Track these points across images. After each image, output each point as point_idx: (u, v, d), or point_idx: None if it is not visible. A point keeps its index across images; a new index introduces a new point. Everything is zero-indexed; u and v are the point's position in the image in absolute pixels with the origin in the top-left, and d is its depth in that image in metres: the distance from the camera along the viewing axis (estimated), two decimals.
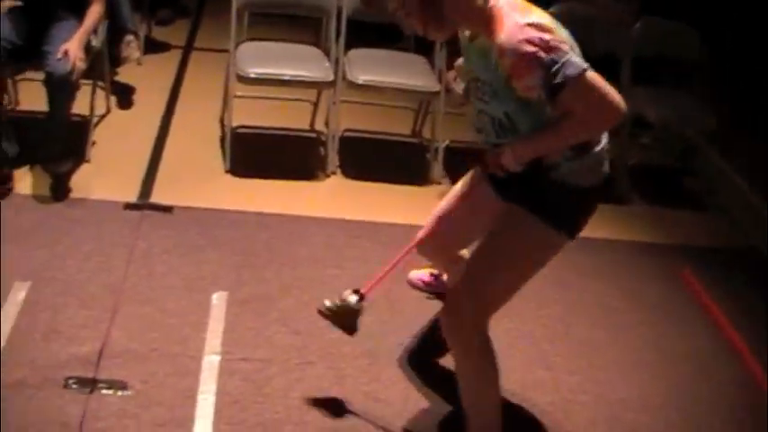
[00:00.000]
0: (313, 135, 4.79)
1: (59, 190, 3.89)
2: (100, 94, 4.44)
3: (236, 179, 4.27)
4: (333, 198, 4.29)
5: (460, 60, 4.21)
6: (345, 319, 2.89)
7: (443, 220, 2.91)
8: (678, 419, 3.17)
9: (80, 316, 3.16)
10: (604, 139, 2.53)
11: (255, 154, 4.52)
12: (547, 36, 2.23)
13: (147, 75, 5.09)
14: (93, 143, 4.28)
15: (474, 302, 2.56)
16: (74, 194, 3.90)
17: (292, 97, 4.82)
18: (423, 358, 3.23)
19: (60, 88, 3.77)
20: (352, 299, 2.87)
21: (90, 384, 2.87)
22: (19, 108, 4.48)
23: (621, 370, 3.37)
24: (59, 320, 3.13)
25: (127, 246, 3.59)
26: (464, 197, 2.86)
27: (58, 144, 3.96)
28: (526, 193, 2.52)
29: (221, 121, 4.68)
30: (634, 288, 3.90)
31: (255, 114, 4.73)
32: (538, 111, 2.35)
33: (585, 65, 2.27)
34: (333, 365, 3.14)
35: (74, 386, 2.85)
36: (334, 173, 4.44)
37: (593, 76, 2.27)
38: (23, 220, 3.66)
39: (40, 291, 3.25)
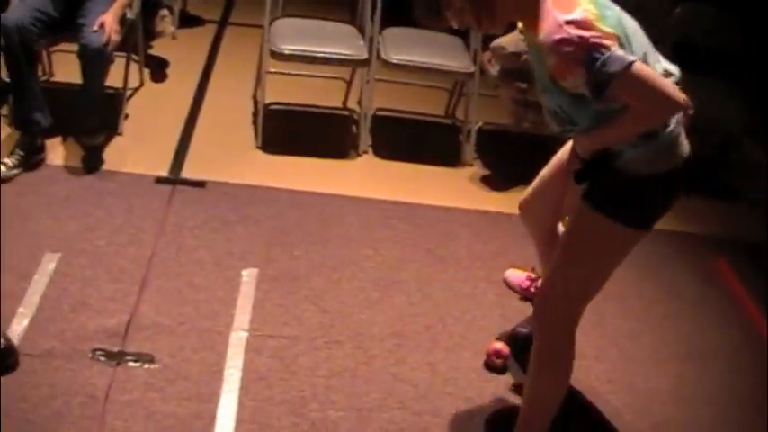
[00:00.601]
0: (346, 113, 4.76)
1: (92, 162, 3.89)
2: (134, 67, 4.43)
3: (268, 156, 4.25)
4: (364, 177, 4.26)
5: (496, 42, 4.19)
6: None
7: (539, 184, 2.90)
8: (707, 414, 3.13)
9: (109, 288, 3.17)
10: (673, 123, 2.40)
11: (287, 131, 4.50)
12: (587, 33, 2.12)
13: (180, 49, 5.08)
14: (127, 116, 4.28)
15: (561, 303, 2.55)
16: (106, 167, 3.90)
17: (326, 75, 4.79)
18: (455, 340, 3.22)
19: (94, 60, 3.76)
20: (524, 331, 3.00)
21: (117, 356, 2.88)
22: (53, 79, 4.49)
23: (652, 361, 3.33)
24: (88, 292, 3.13)
25: (157, 220, 3.59)
26: (558, 162, 2.82)
27: (91, 116, 3.96)
28: (593, 187, 2.46)
29: (254, 97, 4.66)
30: (669, 279, 3.85)
31: (288, 91, 4.70)
32: (591, 103, 2.26)
33: (631, 58, 2.14)
34: (360, 345, 3.12)
35: (101, 358, 2.86)
36: (365, 152, 4.41)
37: (640, 68, 2.16)
38: (55, 191, 3.66)
39: (69, 262, 3.26)
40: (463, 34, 4.54)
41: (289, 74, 4.63)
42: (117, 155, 3.99)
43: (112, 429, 2.62)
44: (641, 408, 3.09)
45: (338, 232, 3.71)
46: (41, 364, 2.79)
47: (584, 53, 2.12)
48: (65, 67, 4.38)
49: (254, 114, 4.50)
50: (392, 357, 3.09)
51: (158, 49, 5.01)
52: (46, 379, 2.73)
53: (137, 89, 4.59)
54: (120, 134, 4.17)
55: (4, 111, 4.09)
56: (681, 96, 2.22)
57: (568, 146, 2.75)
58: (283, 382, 2.89)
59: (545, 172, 2.88)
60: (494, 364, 3.11)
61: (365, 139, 4.42)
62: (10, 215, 3.44)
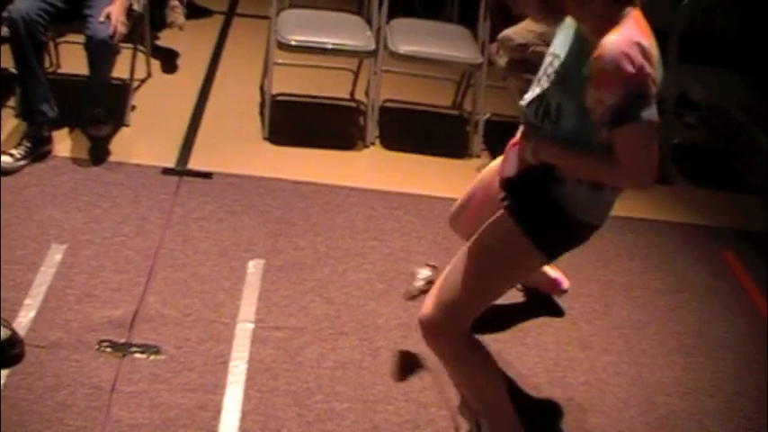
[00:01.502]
0: (353, 105, 4.75)
1: (98, 153, 3.90)
2: (140, 58, 4.43)
3: (275, 147, 4.25)
4: (371, 169, 4.25)
5: (504, 32, 4.16)
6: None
7: (471, 196, 2.85)
8: (714, 406, 3.11)
9: (115, 280, 3.17)
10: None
11: (294, 122, 4.49)
12: (648, 67, 2.08)
13: (187, 40, 5.07)
14: (133, 107, 4.28)
15: (445, 312, 2.46)
16: (112, 158, 3.90)
17: (333, 66, 4.78)
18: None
19: (101, 52, 3.76)
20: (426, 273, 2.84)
21: (123, 348, 2.88)
22: (60, 71, 4.49)
23: (659, 353, 3.32)
24: (94, 283, 3.14)
25: (164, 211, 3.59)
26: (488, 180, 2.75)
27: (97, 107, 3.97)
28: (521, 199, 2.41)
29: (261, 88, 4.66)
30: (676, 270, 3.83)
31: (295, 82, 4.70)
32: (589, 124, 2.21)
33: (657, 119, 2.12)
34: (366, 337, 3.12)
35: (107, 349, 2.86)
36: (373, 143, 4.40)
37: (654, 133, 2.15)
38: (62, 182, 3.67)
39: (76, 253, 3.26)
40: (471, 25, 4.52)
41: (296, 65, 4.61)
42: (124, 146, 4.00)
43: (118, 420, 2.62)
44: (648, 400, 3.08)
45: (344, 223, 3.71)
46: (47, 355, 2.80)
47: (635, 80, 2.07)
48: (71, 59, 4.38)
49: (261, 105, 4.49)
50: (398, 349, 3.09)
51: (165, 40, 5.01)
52: (52, 370, 2.74)
53: (144, 80, 4.59)
54: (126, 125, 4.17)
55: (11, 102, 4.09)
56: (653, 179, 2.20)
57: (497, 162, 2.70)
58: (289, 374, 2.90)
59: (474, 186, 2.84)
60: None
61: (372, 131, 4.41)
62: (17, 206, 3.44)
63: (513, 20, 4.13)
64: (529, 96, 2.40)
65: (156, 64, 4.73)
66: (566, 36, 2.31)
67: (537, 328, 3.31)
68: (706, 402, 3.12)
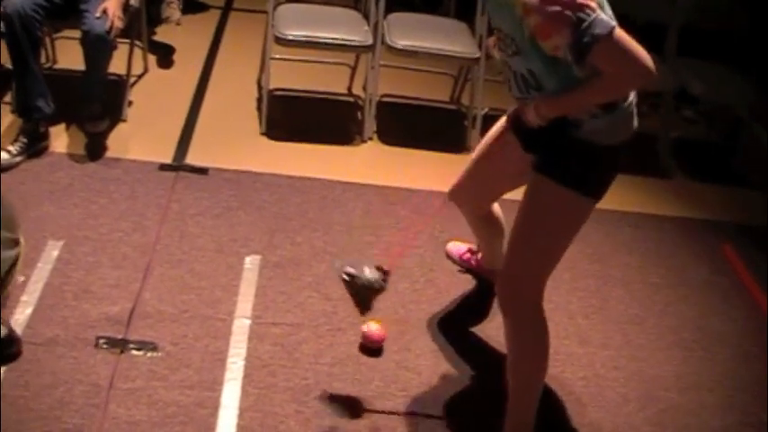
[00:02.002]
0: (350, 99, 4.73)
1: (95, 149, 3.89)
2: (137, 53, 4.42)
3: (272, 142, 4.24)
4: (369, 164, 4.24)
5: None
6: (362, 294, 2.75)
7: (473, 166, 2.89)
8: (713, 401, 3.11)
9: (112, 276, 3.16)
10: (632, 95, 2.43)
11: (292, 117, 4.48)
12: None
13: (184, 35, 5.06)
14: (130, 103, 4.27)
15: (526, 282, 2.56)
16: (109, 154, 3.89)
17: (330, 60, 4.77)
18: (459, 326, 3.22)
19: (98, 47, 3.74)
20: (374, 276, 2.72)
21: (120, 344, 2.88)
22: (56, 66, 4.48)
23: (658, 348, 3.31)
24: (91, 280, 3.13)
25: (161, 206, 3.58)
26: (492, 147, 2.81)
27: (94, 103, 3.95)
28: (548, 157, 2.46)
29: (258, 83, 4.65)
30: (675, 264, 3.82)
31: (293, 77, 4.68)
32: (565, 70, 2.25)
33: (614, 23, 2.16)
34: None
35: (104, 346, 2.86)
36: (370, 138, 4.39)
37: (621, 34, 2.17)
38: (58, 178, 3.66)
39: (73, 250, 3.25)
40: (468, 19, 4.51)
41: (293, 59, 4.60)
42: (121, 141, 3.98)
43: (115, 417, 2.61)
44: (646, 394, 3.07)
45: (341, 219, 3.70)
46: (45, 352, 2.79)
47: (571, 12, 2.11)
48: (68, 54, 4.36)
49: (259, 100, 4.48)
50: (395, 344, 3.08)
51: (162, 35, 5.00)
52: (49, 367, 2.73)
53: (141, 75, 4.57)
54: (123, 121, 4.16)
55: (7, 98, 4.08)
56: (653, 65, 2.20)
57: (497, 127, 2.78)
58: (286, 370, 2.89)
59: (475, 156, 2.89)
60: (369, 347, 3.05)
61: (370, 125, 4.40)
62: (13, 203, 3.42)
63: None
64: (505, 76, 2.45)
65: (153, 59, 4.72)
66: (495, 8, 2.35)
67: None
68: (705, 397, 3.11)
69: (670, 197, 4.37)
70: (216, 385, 2.79)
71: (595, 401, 3.01)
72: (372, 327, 3.03)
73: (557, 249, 2.57)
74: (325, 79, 4.78)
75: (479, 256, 3.42)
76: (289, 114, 4.49)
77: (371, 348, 3.03)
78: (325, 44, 4.17)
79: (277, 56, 4.41)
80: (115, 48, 3.91)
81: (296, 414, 2.74)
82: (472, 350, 3.12)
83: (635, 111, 2.46)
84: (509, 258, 2.59)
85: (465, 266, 3.49)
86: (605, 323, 3.38)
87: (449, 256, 3.54)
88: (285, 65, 4.56)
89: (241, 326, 3.04)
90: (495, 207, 3.09)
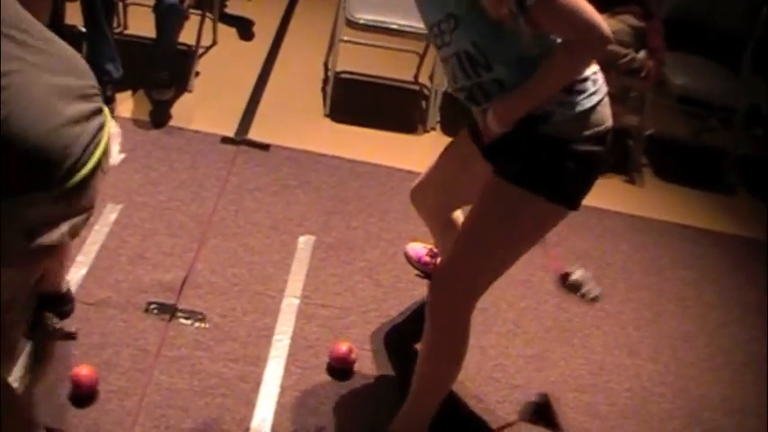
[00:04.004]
0: (416, 88, 4.71)
1: (159, 117, 3.91)
2: (208, 25, 4.44)
3: (335, 124, 4.23)
4: (430, 154, 4.14)
5: None
6: None
7: (434, 172, 2.71)
8: (759, 427, 3.04)
9: (167, 243, 3.18)
10: (600, 78, 2.19)
11: (356, 101, 4.47)
12: None
13: (255, 10, 5.06)
14: (197, 74, 4.29)
15: (463, 283, 2.31)
16: (173, 123, 3.91)
17: (400, 47, 4.74)
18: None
19: (169, 16, 3.76)
20: None
21: (170, 311, 2.90)
22: (127, 32, 4.52)
23: (707, 367, 3.25)
24: (146, 246, 3.15)
25: (220, 179, 3.60)
26: (454, 152, 2.64)
27: (162, 71, 3.97)
28: (513, 160, 2.20)
29: (325, 64, 4.64)
30: (731, 284, 3.75)
31: (360, 60, 4.67)
32: (510, 37, 2.04)
33: None
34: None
35: (154, 312, 2.88)
36: (433, 128, 4.36)
37: None
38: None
39: (130, 214, 3.28)
40: None
41: (362, 43, 4.59)
42: (185, 111, 4.01)
43: (158, 384, 2.64)
44: (691, 414, 3.02)
45: (398, 206, 3.68)
46: (96, 313, 2.82)
47: None
48: (139, 21, 4.40)
49: (324, 81, 4.48)
50: None
51: (233, 8, 5.01)
52: (99, 328, 2.76)
53: (209, 48, 4.59)
54: (189, 91, 4.18)
55: None
56: (607, 27, 1.98)
57: (462, 135, 2.57)
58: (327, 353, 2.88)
59: (438, 160, 2.69)
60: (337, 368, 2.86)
61: (434, 116, 4.37)
62: None
63: None
64: (449, 75, 2.25)
65: (223, 31, 4.73)
66: (428, 1, 2.17)
67: (584, 330, 3.26)
68: (751, 423, 3.05)
69: (731, 215, 4.28)
70: (260, 361, 2.80)
71: (638, 415, 2.96)
72: (342, 347, 2.85)
73: (509, 259, 2.32)
74: (393, 66, 4.76)
75: (438, 261, 3.20)
76: (353, 98, 4.48)
77: (337, 368, 2.85)
78: (396, 30, 4.15)
79: (346, 38, 4.40)
80: (187, 18, 3.93)
81: (336, 397, 2.74)
82: (519, 351, 3.09)
83: (606, 100, 2.19)
84: (453, 258, 2.33)
85: (424, 271, 3.31)
86: (656, 337, 3.32)
87: (408, 259, 3.34)
88: (353, 48, 4.55)
89: (290, 304, 3.05)
90: (457, 214, 2.87)
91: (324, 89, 4.40)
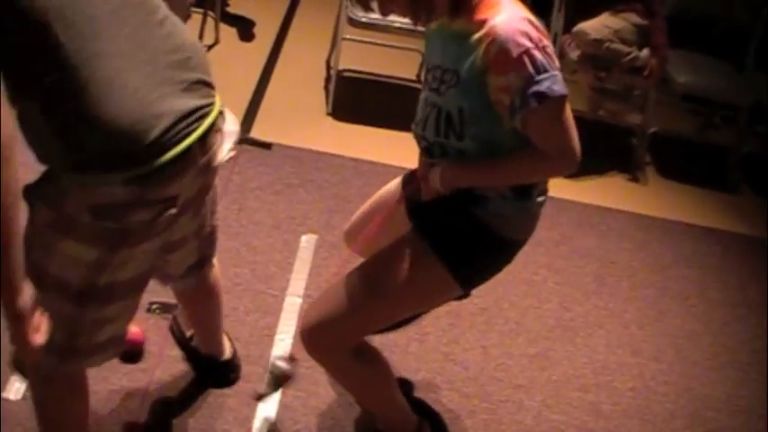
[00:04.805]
0: (419, 86, 4.68)
1: None
2: (210, 24, 4.43)
3: (337, 123, 4.23)
4: None
5: (579, 26, 4.08)
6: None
7: (370, 215, 2.56)
8: (763, 428, 3.03)
9: None
10: (544, 193, 2.20)
11: (359, 99, 4.47)
12: (545, 40, 1.92)
13: (257, 9, 5.06)
14: None
15: (337, 329, 2.20)
16: None
17: (402, 45, 4.74)
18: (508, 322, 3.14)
19: None
20: (283, 366, 2.43)
21: (173, 310, 2.88)
22: None
23: (711, 366, 3.24)
24: None
25: (222, 178, 3.54)
26: (386, 203, 2.50)
27: None
28: (436, 223, 2.17)
29: (327, 62, 4.64)
30: (734, 282, 3.74)
31: (363, 59, 4.67)
32: (495, 119, 2.00)
33: (566, 91, 1.94)
34: (415, 322, 3.08)
35: (157, 311, 2.87)
36: None
37: (568, 109, 1.98)
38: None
39: None
40: (545, 16, 4.44)
41: (364, 41, 4.58)
42: None
43: (159, 382, 2.63)
44: (695, 413, 3.01)
45: None
46: None
47: (539, 54, 1.90)
48: None
49: (327, 80, 4.48)
50: (445, 337, 3.06)
51: (235, 7, 5.01)
52: None
53: (211, 46, 4.59)
54: None
55: None
56: (580, 156, 2.00)
57: (396, 180, 2.49)
58: None
59: (372, 202, 2.57)
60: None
61: None
62: None
63: (588, 14, 4.06)
64: (421, 115, 2.18)
65: (224, 30, 4.73)
66: (439, 45, 2.11)
67: (587, 328, 3.25)
68: (756, 423, 3.04)
69: (735, 213, 4.28)
70: (262, 360, 2.79)
71: (641, 414, 2.95)
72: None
73: (390, 317, 2.26)
74: (395, 64, 4.76)
75: None
76: (356, 96, 4.48)
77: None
78: (399, 28, 4.15)
79: (348, 36, 4.39)
80: (189, 17, 3.92)
81: (339, 397, 2.73)
82: (521, 350, 3.08)
83: (539, 214, 2.21)
84: (331, 307, 2.20)
85: None
86: (660, 336, 3.31)
87: None
88: (356, 46, 4.55)
89: (292, 303, 3.04)
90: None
91: (326, 88, 4.40)
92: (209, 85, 1.88)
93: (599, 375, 3.05)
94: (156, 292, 2.92)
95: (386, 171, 3.88)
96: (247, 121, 4.05)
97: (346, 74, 4.55)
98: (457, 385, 2.87)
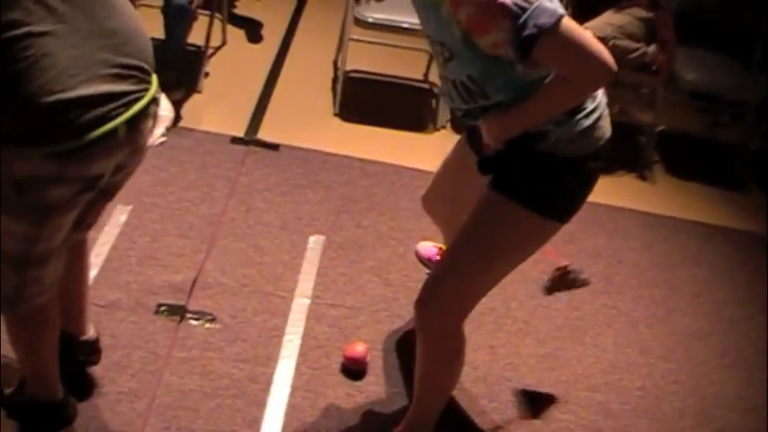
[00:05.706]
0: (426, 86, 4.70)
1: None
2: (217, 25, 4.44)
3: (344, 123, 4.23)
4: (440, 152, 4.12)
5: (584, 25, 4.07)
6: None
7: (439, 180, 2.67)
8: None
9: (177, 245, 3.18)
10: (600, 95, 2.15)
11: (366, 100, 4.47)
12: None
13: (265, 10, 5.07)
14: (207, 74, 4.29)
15: (452, 298, 2.26)
16: (182, 123, 3.91)
17: (409, 46, 4.73)
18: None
19: (178, 17, 3.77)
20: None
21: (180, 313, 2.90)
22: None
23: (720, 365, 3.23)
24: (156, 247, 3.15)
25: (230, 179, 3.60)
26: (454, 159, 2.58)
27: (170, 72, 3.97)
28: (507, 174, 2.17)
29: (334, 63, 4.64)
30: (743, 281, 3.72)
31: (370, 59, 4.66)
32: (509, 69, 1.97)
33: (562, 11, 1.85)
34: None
35: (164, 313, 2.88)
36: (443, 127, 4.35)
37: (570, 24, 1.87)
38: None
39: (140, 216, 3.28)
40: None
41: (371, 42, 4.58)
42: (194, 112, 4.01)
43: (168, 385, 2.64)
44: (703, 412, 3.00)
45: (408, 205, 3.67)
46: (106, 314, 2.82)
47: (509, 1, 1.82)
48: (147, 22, 4.35)
49: (334, 81, 4.48)
50: None
51: (242, 8, 5.01)
52: (109, 330, 2.76)
53: (218, 48, 4.59)
54: (198, 92, 4.18)
55: None
56: (612, 59, 1.91)
57: (460, 143, 2.51)
58: (341, 352, 2.88)
59: (441, 168, 2.63)
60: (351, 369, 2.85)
61: (443, 114, 4.36)
62: None
63: (592, 14, 4.05)
64: (444, 90, 2.20)
65: (231, 32, 4.73)
66: (423, 15, 2.11)
67: (596, 328, 3.25)
68: (762, 420, 3.03)
69: (743, 211, 4.26)
70: (270, 362, 2.80)
71: (650, 413, 2.94)
72: (358, 348, 2.85)
73: (497, 272, 2.28)
74: (402, 64, 4.75)
75: None
76: (363, 97, 4.47)
77: (352, 369, 2.84)
78: (405, 28, 4.14)
79: (355, 37, 4.39)
80: (195, 18, 3.93)
81: (347, 397, 2.74)
82: (530, 350, 3.08)
83: (606, 113, 2.18)
84: (442, 271, 2.28)
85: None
86: (668, 335, 3.30)
87: (419, 257, 3.22)
88: (363, 47, 4.55)
89: (300, 304, 3.04)
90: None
91: (333, 88, 4.40)
92: (144, 72, 1.95)
93: (607, 375, 3.05)
94: (164, 293, 2.95)
95: (393, 171, 3.89)
96: (255, 122, 4.06)
97: (353, 74, 4.55)
98: (465, 385, 2.87)
